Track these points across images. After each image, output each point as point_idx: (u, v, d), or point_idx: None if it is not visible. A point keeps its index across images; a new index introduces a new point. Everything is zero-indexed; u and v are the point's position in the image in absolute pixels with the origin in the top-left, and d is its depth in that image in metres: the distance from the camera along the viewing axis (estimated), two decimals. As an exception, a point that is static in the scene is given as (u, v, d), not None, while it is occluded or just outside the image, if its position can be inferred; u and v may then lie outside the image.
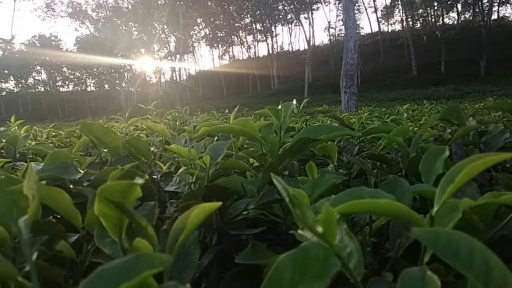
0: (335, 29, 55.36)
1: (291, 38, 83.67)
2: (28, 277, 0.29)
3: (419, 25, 44.03)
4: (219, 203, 0.37)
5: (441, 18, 42.40)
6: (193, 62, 63.72)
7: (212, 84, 53.65)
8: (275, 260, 0.42)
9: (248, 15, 50.01)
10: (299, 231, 0.39)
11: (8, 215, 0.48)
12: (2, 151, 1.72)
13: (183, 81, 55.50)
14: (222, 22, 50.41)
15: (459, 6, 41.13)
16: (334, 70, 40.50)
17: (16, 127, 2.45)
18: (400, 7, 46.05)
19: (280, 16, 49.59)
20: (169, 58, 49.73)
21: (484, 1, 37.96)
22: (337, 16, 54.02)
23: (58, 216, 0.69)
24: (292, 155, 0.65)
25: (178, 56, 45.28)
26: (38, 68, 59.75)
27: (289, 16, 49.88)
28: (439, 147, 0.71)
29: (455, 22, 43.56)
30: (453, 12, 42.98)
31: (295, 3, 43.97)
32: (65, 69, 60.27)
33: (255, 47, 57.50)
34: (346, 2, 12.57)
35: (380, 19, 53.57)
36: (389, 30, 53.50)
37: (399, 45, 43.83)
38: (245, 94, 46.09)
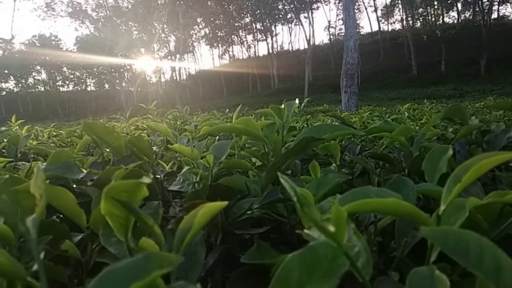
0: (335, 28, 55.39)
1: (291, 37, 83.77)
2: (35, 276, 0.29)
3: (419, 24, 44.03)
4: (225, 203, 0.37)
5: (441, 17, 42.37)
6: (193, 62, 63.76)
7: (212, 83, 53.63)
8: (282, 260, 0.42)
9: (248, 15, 49.99)
10: (306, 231, 0.39)
11: (13, 214, 0.48)
12: (4, 150, 1.72)
13: (183, 80, 55.51)
14: (222, 22, 50.40)
15: (459, 5, 41.14)
16: (334, 70, 40.50)
17: (17, 127, 2.45)
18: (400, 6, 46.05)
19: (280, 16, 49.57)
20: (169, 57, 49.73)
21: (484, 0, 37.95)
22: (337, 15, 54.03)
23: (61, 215, 0.69)
24: (295, 154, 0.65)
25: (178, 55, 45.25)
26: (38, 67, 59.75)
27: (289, 16, 49.90)
28: (442, 146, 0.71)
29: (455, 21, 43.56)
30: (453, 11, 43.01)
31: (295, 2, 43.95)
32: (65, 68, 60.29)
33: (255, 46, 57.56)
34: (347, 1, 12.56)
35: (380, 18, 53.56)
36: (389, 29, 53.52)
37: (399, 44, 43.81)
38: (245, 94, 46.07)
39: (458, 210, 0.42)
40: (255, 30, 52.96)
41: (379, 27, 53.19)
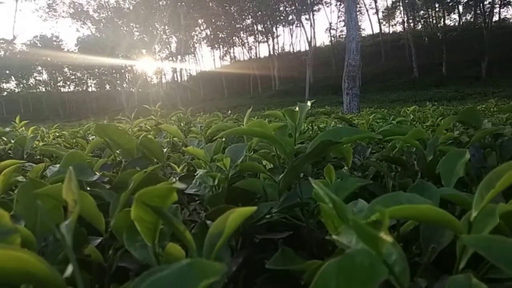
0: (336, 30, 55.48)
1: (292, 39, 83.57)
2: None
3: (420, 26, 44.05)
4: (255, 208, 0.36)
5: (442, 19, 42.35)
6: (194, 63, 63.79)
7: (213, 84, 53.67)
8: (309, 266, 0.41)
9: (249, 16, 50.03)
10: (334, 237, 0.39)
11: (33, 218, 0.48)
12: (10, 151, 1.72)
13: (184, 81, 55.54)
14: (223, 23, 50.45)
15: (460, 7, 41.21)
16: (335, 71, 40.55)
17: (21, 128, 2.45)
18: (401, 8, 46.09)
19: (281, 17, 49.62)
20: (170, 58, 49.80)
21: (485, 3, 37.97)
22: (338, 17, 54.05)
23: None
24: (313, 157, 0.65)
25: (179, 56, 45.32)
26: (40, 68, 59.80)
27: (290, 17, 49.95)
28: (459, 150, 0.70)
29: (456, 24, 43.61)
30: (454, 13, 43.07)
31: (296, 4, 43.97)
32: (66, 69, 60.38)
33: (256, 48, 57.58)
34: (349, 3, 12.56)
35: (381, 20, 53.57)
36: (390, 32, 53.55)
37: (400, 47, 43.82)
38: (246, 95, 46.09)
39: (487, 216, 0.41)
40: (256, 31, 53.02)
41: (380, 29, 53.24)
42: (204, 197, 0.60)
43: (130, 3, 45.48)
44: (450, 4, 40.67)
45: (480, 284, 0.30)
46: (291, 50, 64.16)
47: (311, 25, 44.09)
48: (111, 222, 0.52)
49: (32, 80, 62.87)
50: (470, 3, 39.30)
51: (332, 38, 55.49)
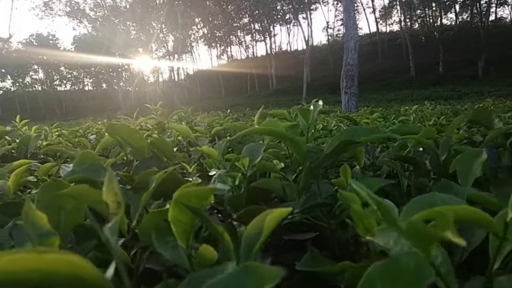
0: (333, 29, 55.59)
1: (289, 38, 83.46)
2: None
3: (417, 25, 44.20)
4: (290, 209, 0.35)
5: (439, 18, 42.49)
6: (191, 62, 63.63)
7: (210, 83, 53.58)
8: (340, 267, 0.41)
9: (247, 15, 50.02)
10: (369, 238, 0.38)
11: (56, 219, 0.47)
12: (13, 151, 1.70)
13: (181, 80, 55.46)
14: (220, 22, 50.42)
15: (457, 7, 41.35)
16: (332, 70, 40.58)
17: (22, 127, 2.43)
18: (398, 7, 46.21)
19: (279, 16, 49.62)
20: (167, 57, 49.71)
21: (481, 2, 38.14)
22: (335, 16, 54.24)
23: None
24: (332, 157, 0.64)
25: (176, 55, 45.22)
26: (36, 67, 59.47)
27: (287, 16, 49.94)
28: (475, 149, 0.70)
29: (453, 23, 43.78)
30: (451, 13, 43.20)
31: (294, 3, 43.97)
32: (62, 68, 60.11)
33: (253, 47, 57.56)
34: (347, 2, 12.56)
35: (378, 20, 53.72)
36: (387, 31, 53.65)
37: (397, 46, 43.90)
38: (243, 94, 46.07)
39: (520, 217, 0.41)
40: (253, 30, 53.02)
41: (377, 28, 53.36)
42: (224, 197, 0.59)
43: (127, 1, 45.35)
44: (447, 3, 40.82)
45: (526, 285, 0.30)
46: (289, 49, 64.15)
47: (308, 24, 44.12)
48: (133, 223, 0.51)
49: (28, 79, 62.51)
50: (466, 2, 39.47)
51: (330, 37, 55.63)
